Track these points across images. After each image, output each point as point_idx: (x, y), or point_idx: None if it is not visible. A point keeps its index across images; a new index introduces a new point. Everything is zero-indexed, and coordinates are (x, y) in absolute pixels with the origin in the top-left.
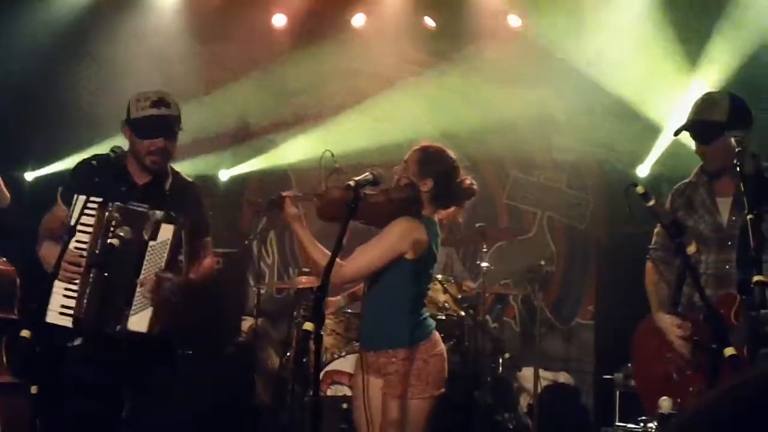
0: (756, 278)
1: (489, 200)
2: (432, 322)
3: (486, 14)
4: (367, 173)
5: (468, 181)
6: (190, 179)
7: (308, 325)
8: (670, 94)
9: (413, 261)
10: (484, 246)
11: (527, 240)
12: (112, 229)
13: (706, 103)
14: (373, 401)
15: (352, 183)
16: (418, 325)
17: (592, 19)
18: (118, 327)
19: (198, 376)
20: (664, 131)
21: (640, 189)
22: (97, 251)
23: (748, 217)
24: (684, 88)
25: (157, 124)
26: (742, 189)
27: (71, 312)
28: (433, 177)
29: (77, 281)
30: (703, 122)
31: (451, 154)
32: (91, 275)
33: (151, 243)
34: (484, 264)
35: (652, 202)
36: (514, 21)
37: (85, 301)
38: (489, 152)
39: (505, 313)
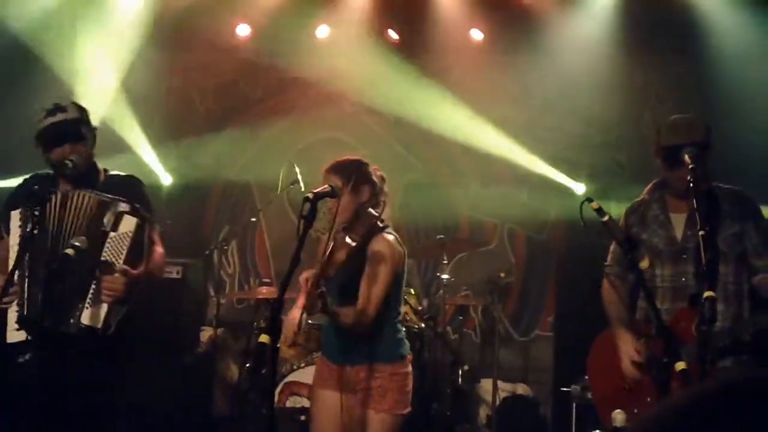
0: (706, 294)
1: (450, 212)
2: (408, 343)
3: (448, 28)
4: (325, 185)
5: (379, 170)
6: (125, 174)
7: (264, 338)
8: (628, 109)
9: (399, 275)
10: (445, 257)
11: (488, 251)
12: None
13: (684, 126)
14: (345, 419)
15: (310, 195)
16: (400, 341)
17: (552, 35)
18: (72, 321)
19: (156, 386)
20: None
21: (594, 204)
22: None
23: (700, 233)
24: (640, 105)
25: (56, 132)
26: (695, 205)
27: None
28: (365, 183)
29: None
30: (698, 144)
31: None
32: (26, 270)
33: (111, 234)
34: (445, 276)
35: (606, 218)
36: (476, 35)
37: (26, 296)
38: (450, 164)
39: (466, 324)
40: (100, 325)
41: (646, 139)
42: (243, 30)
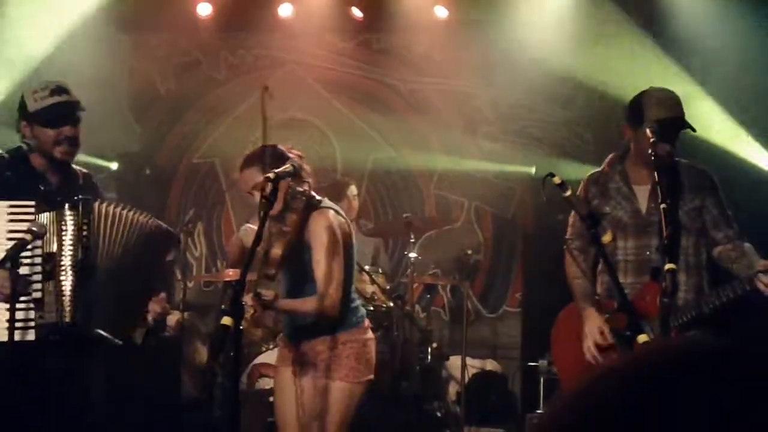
0: (667, 266)
1: (416, 190)
2: (363, 310)
3: (413, 5)
4: (287, 165)
5: (293, 150)
6: (84, 170)
7: (226, 320)
8: (596, 87)
9: (347, 246)
10: (412, 236)
11: (455, 229)
12: (85, 231)
13: (671, 100)
14: (303, 397)
15: (271, 175)
16: (354, 309)
17: (517, 13)
18: (126, 338)
19: (122, 371)
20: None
21: (557, 179)
22: (77, 254)
23: (662, 206)
24: (610, 81)
25: (61, 112)
26: (657, 179)
27: (44, 320)
28: (285, 161)
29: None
30: (682, 119)
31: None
32: (70, 279)
33: (164, 261)
34: (412, 254)
35: (568, 193)
36: (440, 12)
37: (75, 305)
38: (416, 142)
39: (435, 302)
40: (140, 342)
41: (610, 114)
42: (204, 9)
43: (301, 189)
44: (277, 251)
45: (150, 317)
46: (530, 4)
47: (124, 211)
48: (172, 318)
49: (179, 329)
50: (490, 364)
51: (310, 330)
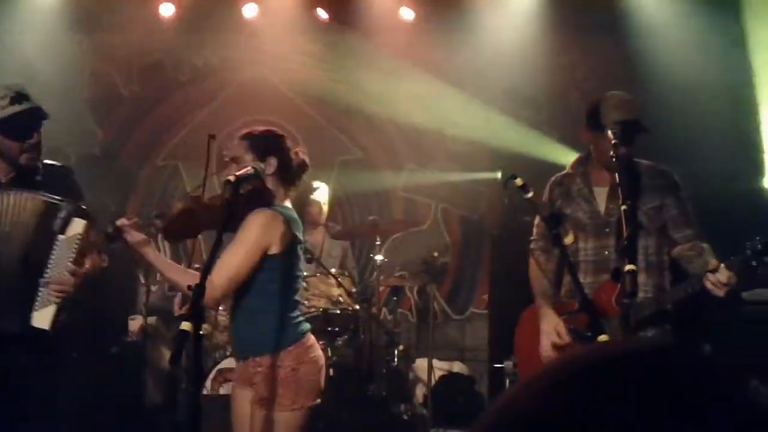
0: (627, 267)
1: (384, 192)
2: (306, 326)
3: (378, 6)
4: (248, 167)
5: (301, 154)
6: (59, 164)
7: (185, 325)
8: (562, 89)
9: (279, 256)
10: (378, 239)
11: (422, 231)
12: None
13: (629, 103)
14: (240, 417)
15: (231, 178)
16: (286, 327)
17: (483, 15)
18: (21, 322)
19: (83, 378)
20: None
21: (519, 181)
22: None
23: (622, 207)
24: (567, 83)
25: (26, 122)
26: (617, 180)
27: None
28: (274, 155)
29: None
30: (638, 121)
31: (276, 129)
32: None
33: (59, 237)
34: (378, 257)
35: (530, 195)
36: (406, 14)
37: None
38: (383, 144)
39: (402, 304)
40: (48, 327)
41: (575, 117)
42: (167, 9)
43: (263, 182)
44: (178, 205)
45: (51, 298)
46: (496, 8)
47: (16, 197)
48: (135, 323)
49: (142, 334)
50: (457, 366)
51: (247, 347)
